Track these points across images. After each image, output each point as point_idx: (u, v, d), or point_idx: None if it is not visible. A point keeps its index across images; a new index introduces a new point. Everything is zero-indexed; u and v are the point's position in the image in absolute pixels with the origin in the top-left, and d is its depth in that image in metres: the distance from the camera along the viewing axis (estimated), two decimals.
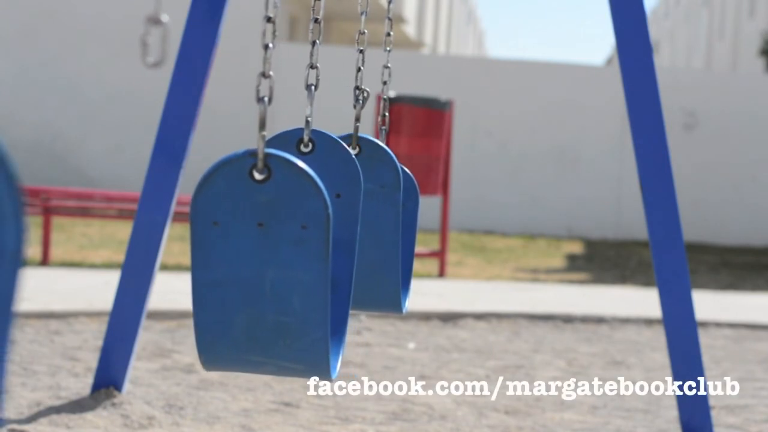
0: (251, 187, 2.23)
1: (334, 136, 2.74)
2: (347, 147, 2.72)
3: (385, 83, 3.23)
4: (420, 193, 3.43)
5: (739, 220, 16.96)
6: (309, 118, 2.63)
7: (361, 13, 2.99)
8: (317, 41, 2.75)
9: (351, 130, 2.98)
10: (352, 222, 2.68)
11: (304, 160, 2.29)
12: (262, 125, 2.21)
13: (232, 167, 2.23)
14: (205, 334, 2.30)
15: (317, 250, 2.23)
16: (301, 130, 2.70)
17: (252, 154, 2.22)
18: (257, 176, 2.22)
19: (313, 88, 2.63)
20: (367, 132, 13.56)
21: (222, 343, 2.30)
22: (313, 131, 2.69)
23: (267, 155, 2.22)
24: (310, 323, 2.26)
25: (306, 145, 2.70)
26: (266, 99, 2.23)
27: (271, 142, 2.60)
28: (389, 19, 3.23)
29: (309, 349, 2.27)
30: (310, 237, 2.23)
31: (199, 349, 2.31)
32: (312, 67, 2.71)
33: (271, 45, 2.28)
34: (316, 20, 2.74)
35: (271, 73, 2.28)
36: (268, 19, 2.30)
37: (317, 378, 2.37)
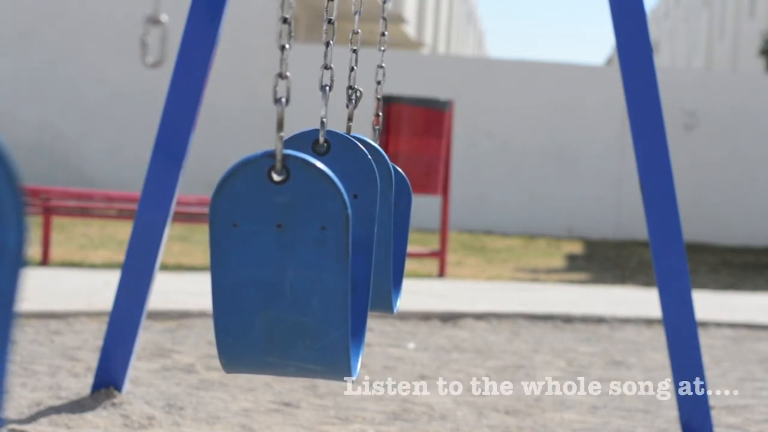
0: (270, 189, 2.22)
1: (349, 137, 2.73)
2: (363, 147, 2.72)
3: (379, 83, 3.23)
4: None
5: (739, 220, 16.96)
6: (324, 119, 2.62)
7: (355, 13, 3.00)
8: (331, 42, 2.75)
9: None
10: (369, 222, 2.67)
11: (320, 161, 2.28)
12: (280, 126, 2.20)
13: (250, 169, 2.22)
14: (225, 337, 2.29)
15: (336, 250, 2.22)
16: (316, 131, 2.70)
17: (270, 155, 2.20)
18: (276, 177, 2.21)
19: (327, 88, 2.62)
20: (365, 132, 13.57)
21: (242, 345, 2.29)
22: (328, 132, 2.69)
23: (285, 156, 2.21)
24: (330, 324, 2.25)
25: (321, 146, 2.69)
26: (283, 100, 2.22)
27: (287, 143, 2.58)
28: (384, 18, 3.24)
29: (329, 350, 2.27)
30: (329, 238, 2.22)
31: (219, 352, 2.30)
32: (326, 67, 2.70)
33: (287, 46, 2.27)
34: (329, 21, 2.74)
35: (288, 74, 2.27)
36: (284, 20, 2.29)
37: (338, 378, 2.36)
